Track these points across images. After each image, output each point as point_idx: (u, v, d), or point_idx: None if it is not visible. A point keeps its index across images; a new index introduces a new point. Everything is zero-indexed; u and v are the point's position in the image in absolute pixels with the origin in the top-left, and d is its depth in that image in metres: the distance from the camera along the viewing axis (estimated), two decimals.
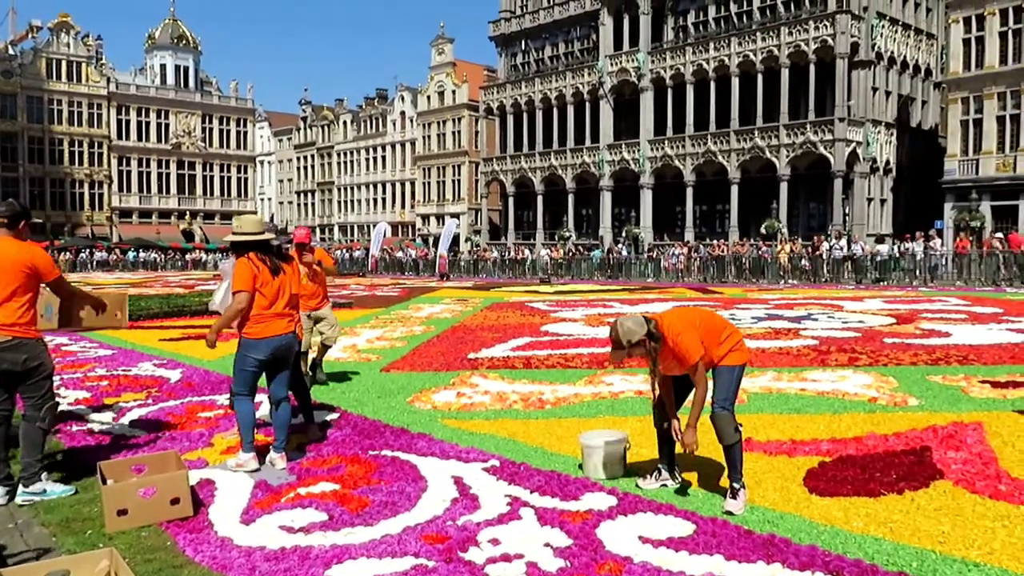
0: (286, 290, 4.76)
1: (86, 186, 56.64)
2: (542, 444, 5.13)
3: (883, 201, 37.21)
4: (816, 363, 8.21)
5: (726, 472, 4.01)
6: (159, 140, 60.06)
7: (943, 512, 3.74)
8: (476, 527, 3.64)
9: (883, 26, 35.88)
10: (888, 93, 37.31)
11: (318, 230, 65.27)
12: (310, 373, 7.21)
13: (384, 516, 3.82)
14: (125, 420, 6.06)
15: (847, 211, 34.70)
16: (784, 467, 4.53)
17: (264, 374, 4.75)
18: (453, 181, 56.57)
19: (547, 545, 3.40)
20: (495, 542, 3.46)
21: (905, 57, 37.90)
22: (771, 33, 35.82)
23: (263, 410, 5.39)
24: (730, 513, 3.76)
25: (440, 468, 4.58)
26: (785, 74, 35.30)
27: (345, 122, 65.70)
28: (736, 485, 3.89)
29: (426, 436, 5.36)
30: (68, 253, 46.84)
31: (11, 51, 54.29)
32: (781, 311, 14.58)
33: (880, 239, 32.49)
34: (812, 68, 34.52)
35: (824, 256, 27.05)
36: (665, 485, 4.21)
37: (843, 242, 27.96)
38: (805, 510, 3.81)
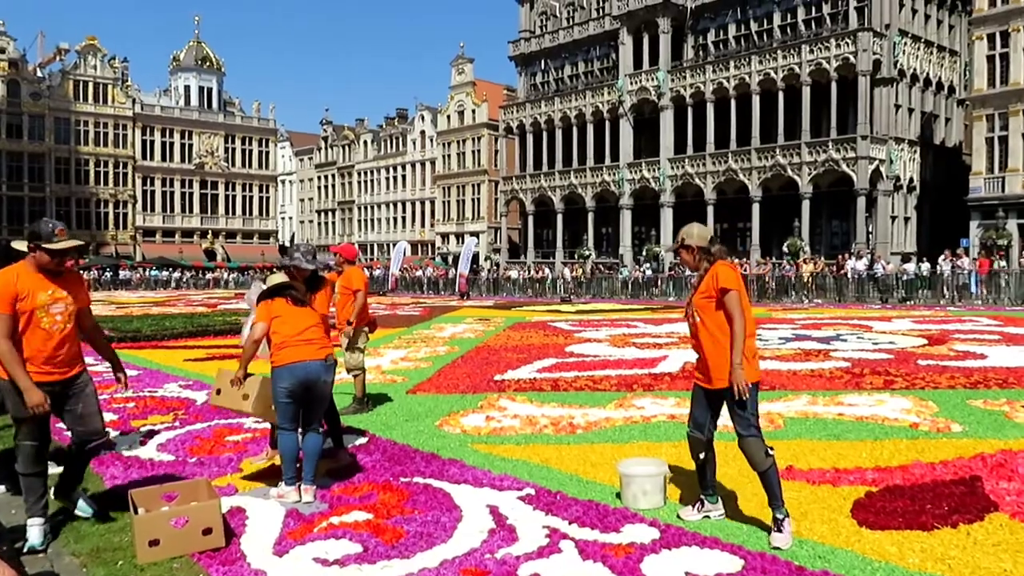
0: (312, 315, 4.66)
1: (111, 206, 57.43)
2: (577, 471, 5.02)
3: (907, 219, 36.81)
4: (851, 386, 8.03)
5: (767, 501, 3.88)
6: (183, 160, 60.86)
7: (1002, 548, 3.58)
8: (516, 561, 3.53)
9: (905, 43, 35.66)
10: (911, 110, 37.02)
11: None
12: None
13: (420, 548, 3.72)
14: (153, 443, 6.01)
15: (870, 229, 34.37)
16: (829, 497, 4.38)
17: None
18: (473, 200, 56.74)
19: None
20: None
21: (928, 74, 37.63)
22: (792, 51, 35.72)
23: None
24: (778, 548, 3.63)
25: (474, 496, 4.47)
26: (806, 92, 35.14)
27: (365, 141, 66.21)
28: (779, 516, 3.74)
29: (457, 462, 5.26)
30: (92, 272, 47.36)
31: (39, 73, 55.39)
32: (808, 331, 14.36)
33: (906, 258, 32.10)
34: (834, 85, 34.34)
35: (849, 275, 26.73)
36: (708, 516, 4.07)
37: (865, 261, 27.62)
38: (856, 544, 3.66)
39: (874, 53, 33.96)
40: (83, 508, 4.30)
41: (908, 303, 24.30)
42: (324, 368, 4.60)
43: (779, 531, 3.72)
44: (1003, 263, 26.95)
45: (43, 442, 4.08)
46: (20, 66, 53.79)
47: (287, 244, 66.44)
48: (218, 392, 4.88)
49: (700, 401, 4.04)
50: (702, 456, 4.05)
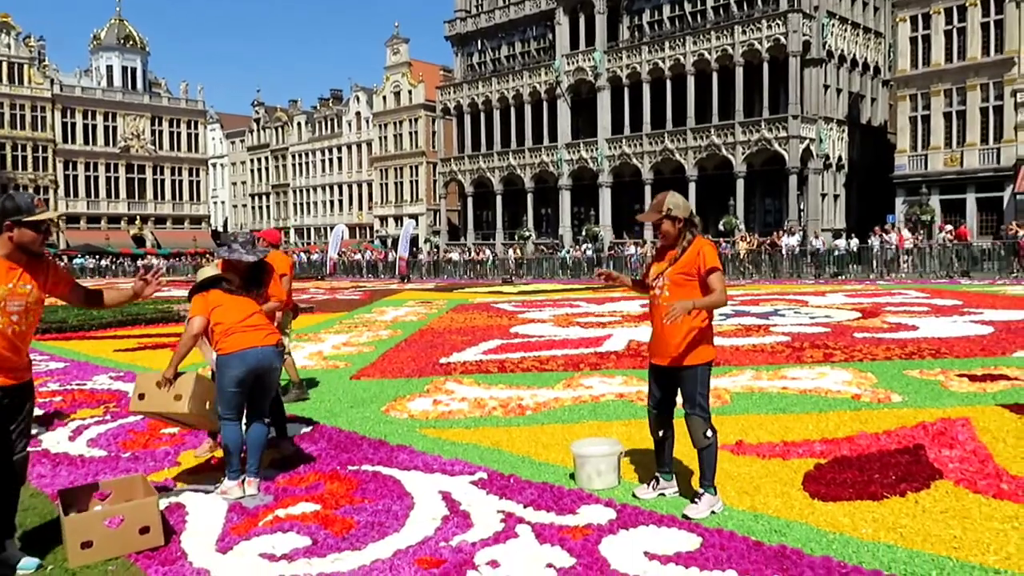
0: (253, 304, 4.48)
1: (31, 191, 54.83)
2: (528, 453, 4.94)
3: (836, 196, 37.87)
4: (792, 360, 8.17)
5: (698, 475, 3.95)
6: (107, 143, 58.51)
7: (950, 515, 3.64)
8: (472, 548, 3.44)
9: (833, 25, 36.52)
10: (839, 91, 37.99)
11: None
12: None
13: (372, 539, 3.59)
14: (83, 439, 5.71)
15: (802, 207, 35.25)
16: (780, 470, 4.41)
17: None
18: (411, 182, 56.12)
19: (550, 566, 3.21)
20: (494, 564, 3.26)
21: (855, 55, 38.64)
22: (725, 32, 36.20)
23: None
24: (687, 517, 3.69)
25: (425, 483, 4.36)
26: (739, 72, 35.70)
27: (299, 123, 64.76)
28: (701, 490, 3.82)
29: (406, 448, 5.13)
30: None
31: None
32: (747, 307, 14.62)
33: (837, 234, 33.03)
34: (766, 66, 34.97)
35: (784, 252, 27.38)
36: (663, 494, 4.05)
37: (797, 237, 28.32)
38: (810, 517, 3.69)
39: (804, 34, 34.67)
40: (25, 566, 3.43)
41: (840, 278, 25.02)
42: (276, 354, 4.43)
43: (694, 502, 3.79)
44: (927, 238, 27.97)
45: None
46: None
47: (220, 229, 64.70)
48: (140, 397, 4.27)
49: (656, 379, 4.00)
50: (661, 434, 4.02)
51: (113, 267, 47.89)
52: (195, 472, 4.79)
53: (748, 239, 30.58)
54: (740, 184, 35.88)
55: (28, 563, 3.40)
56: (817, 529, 3.53)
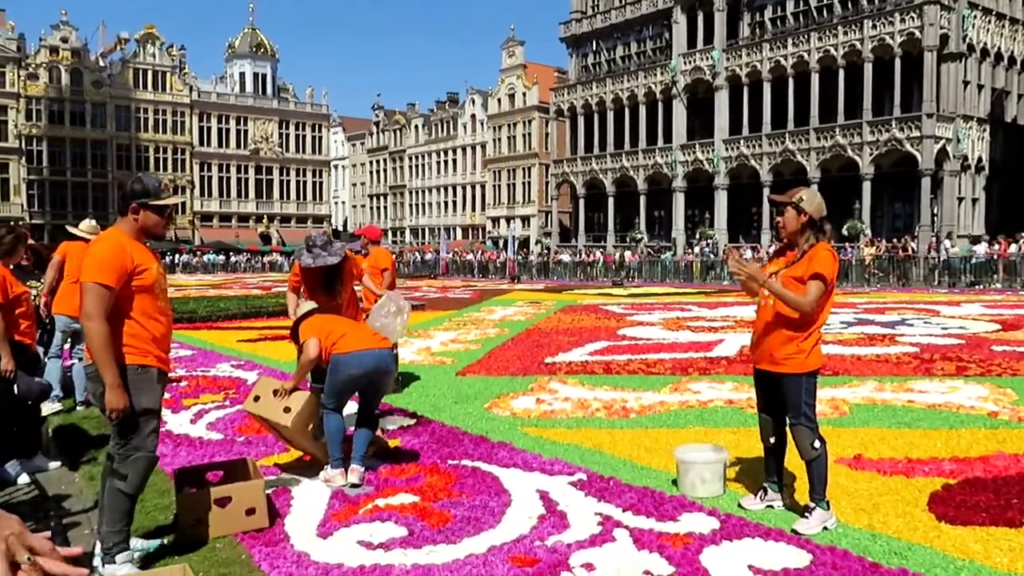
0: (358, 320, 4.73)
1: (170, 191, 58.63)
2: (630, 456, 4.81)
3: (975, 200, 35.34)
4: (920, 372, 7.63)
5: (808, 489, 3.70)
6: (238, 146, 61.86)
7: None
8: (567, 549, 3.36)
9: (975, 16, 34.10)
10: (981, 87, 35.42)
11: (390, 233, 66.03)
12: None
13: (467, 533, 3.57)
14: (203, 422, 6.00)
15: (935, 211, 33.10)
16: (902, 489, 4.10)
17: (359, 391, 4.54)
18: (523, 183, 56.47)
19: (647, 573, 3.09)
20: (589, 567, 3.16)
21: (1000, 49, 35.93)
22: (853, 27, 34.45)
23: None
24: (797, 532, 3.47)
25: (524, 481, 4.31)
26: (868, 69, 33.86)
27: (416, 126, 66.38)
28: (812, 504, 3.59)
29: (507, 445, 5.10)
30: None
31: (101, 63, 56.76)
32: (871, 315, 13.83)
33: (975, 240, 30.81)
34: (898, 62, 33.01)
35: (921, 259, 25.72)
36: (771, 506, 3.84)
37: (947, 244, 26.44)
38: (936, 541, 3.39)
39: (941, 27, 32.53)
40: (142, 547, 3.44)
41: (977, 287, 23.32)
42: (392, 358, 4.59)
43: (804, 517, 3.57)
44: None
45: None
46: (82, 55, 55.17)
47: (340, 228, 67.20)
48: (256, 399, 4.46)
49: (759, 384, 3.84)
50: (772, 440, 3.83)
51: (242, 264, 50.56)
52: (302, 461, 4.93)
53: (876, 244, 28.99)
54: (867, 187, 34.03)
55: (142, 544, 3.47)
56: (943, 554, 3.24)
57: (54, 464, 4.97)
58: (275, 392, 4.38)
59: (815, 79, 35.52)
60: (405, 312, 5.33)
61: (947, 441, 5.00)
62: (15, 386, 4.68)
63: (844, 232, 32.89)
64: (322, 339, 4.37)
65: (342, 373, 4.31)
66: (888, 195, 35.11)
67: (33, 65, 53.18)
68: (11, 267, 4.96)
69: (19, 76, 52.38)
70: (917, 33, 32.40)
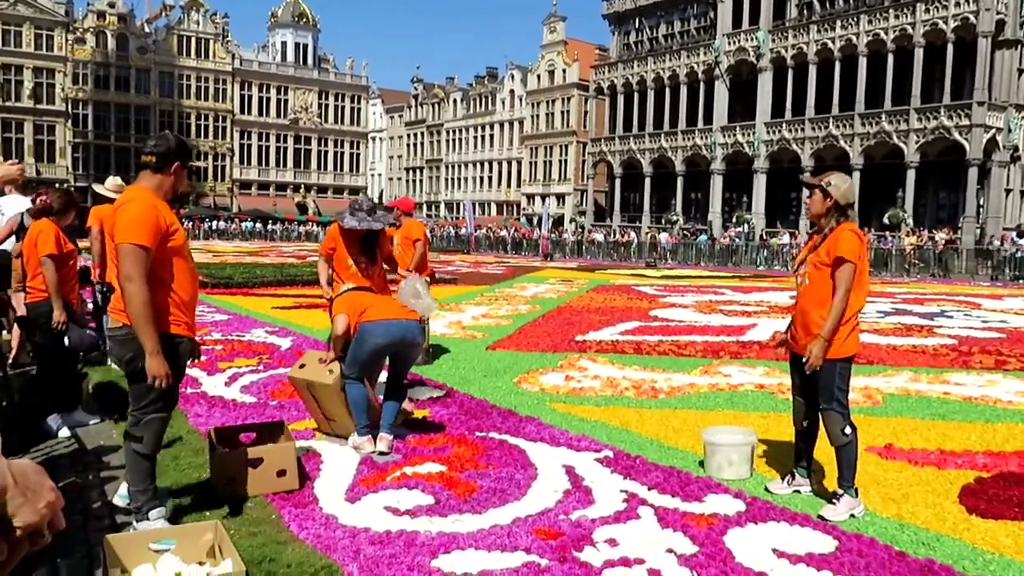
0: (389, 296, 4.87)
1: (210, 158, 59.37)
2: (658, 436, 4.82)
3: (1023, 192, 34.39)
4: (958, 364, 7.49)
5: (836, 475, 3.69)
6: (278, 115, 62.28)
7: None
8: (591, 524, 3.38)
9: None
10: None
11: (425, 207, 66.20)
12: None
13: (493, 504, 3.61)
14: (236, 385, 6.12)
15: (981, 202, 32.28)
16: (933, 480, 4.05)
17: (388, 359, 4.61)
18: (560, 161, 56.13)
19: (670, 551, 3.10)
20: (612, 543, 3.18)
21: None
22: (906, 10, 33.50)
23: None
24: (823, 518, 3.45)
25: (550, 455, 4.34)
26: (919, 54, 32.95)
27: (455, 100, 66.18)
28: (840, 491, 3.56)
29: (535, 420, 5.13)
30: (193, 222, 49.29)
31: (146, 29, 57.38)
32: (910, 306, 13.59)
33: (1022, 233, 30.02)
34: (950, 47, 32.07)
35: (960, 249, 25.15)
36: (799, 491, 3.82)
37: (1012, 236, 25.67)
38: (966, 533, 3.35)
39: (998, 12, 31.49)
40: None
41: (1021, 281, 22.77)
42: (419, 330, 4.60)
43: (832, 503, 3.55)
44: None
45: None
46: (128, 21, 55.81)
47: (376, 200, 67.50)
48: (301, 366, 4.75)
49: (794, 366, 3.84)
50: (804, 424, 3.81)
51: (279, 232, 51.11)
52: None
53: (918, 234, 28.40)
54: (911, 175, 33.25)
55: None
56: (972, 547, 3.21)
57: (93, 419, 5.11)
58: (320, 360, 4.65)
59: (863, 63, 34.68)
60: (424, 296, 5.30)
61: (982, 435, 4.92)
62: (67, 337, 4.85)
63: (885, 220, 32.27)
64: (351, 315, 4.45)
65: (368, 342, 4.37)
66: (933, 184, 34.29)
67: (80, 30, 53.91)
68: (62, 227, 5.08)
69: (67, 40, 53.16)
70: (972, 18, 31.42)
